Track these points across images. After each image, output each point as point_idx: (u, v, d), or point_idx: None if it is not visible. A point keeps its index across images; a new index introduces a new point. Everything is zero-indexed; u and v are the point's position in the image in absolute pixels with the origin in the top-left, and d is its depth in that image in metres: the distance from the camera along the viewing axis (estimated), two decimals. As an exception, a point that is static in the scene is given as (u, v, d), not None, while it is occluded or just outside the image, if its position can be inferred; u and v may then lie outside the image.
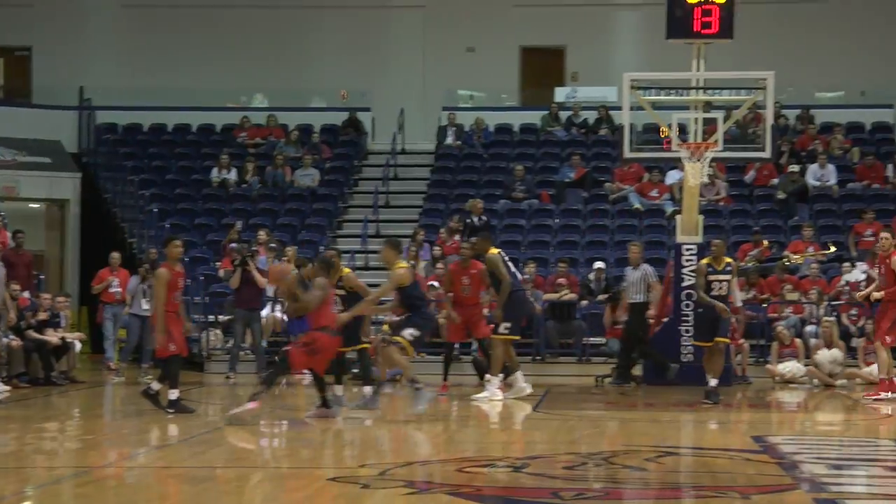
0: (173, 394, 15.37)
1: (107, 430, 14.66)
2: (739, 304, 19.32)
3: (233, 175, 29.10)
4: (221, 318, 24.09)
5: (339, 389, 16.02)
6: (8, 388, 18.95)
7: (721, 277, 17.55)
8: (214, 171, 29.21)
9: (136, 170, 29.55)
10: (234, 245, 24.22)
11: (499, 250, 18.51)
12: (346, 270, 15.93)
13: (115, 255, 23.25)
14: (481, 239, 18.72)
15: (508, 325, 17.85)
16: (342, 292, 15.56)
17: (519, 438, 13.79)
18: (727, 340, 18.02)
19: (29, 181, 29.30)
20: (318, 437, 13.93)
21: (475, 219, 26.07)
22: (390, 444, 13.32)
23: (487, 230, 19.54)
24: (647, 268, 20.88)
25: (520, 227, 27.51)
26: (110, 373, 22.29)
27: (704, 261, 17.94)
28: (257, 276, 21.55)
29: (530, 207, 28.07)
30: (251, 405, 14.25)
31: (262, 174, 29.18)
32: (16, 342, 19.49)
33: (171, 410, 15.24)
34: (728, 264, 17.71)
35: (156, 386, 15.60)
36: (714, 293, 17.49)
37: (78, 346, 21.30)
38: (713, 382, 17.49)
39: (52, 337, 20.32)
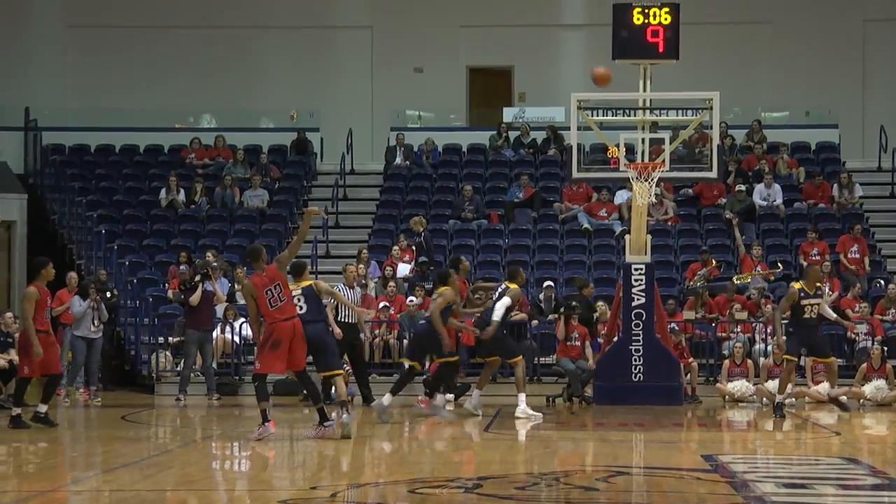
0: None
1: (55, 454, 14.54)
2: (833, 317, 19.59)
3: (181, 196, 28.99)
4: (171, 339, 23.97)
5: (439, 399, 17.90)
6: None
7: (812, 301, 18.18)
8: (163, 192, 29.08)
9: (83, 191, 29.38)
10: (197, 261, 24.14)
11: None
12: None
13: (73, 276, 23.07)
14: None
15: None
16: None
17: (471, 459, 13.79)
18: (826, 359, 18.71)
19: (-28, 203, 29.06)
20: (271, 459, 13.88)
21: (419, 237, 26.08)
22: (342, 465, 13.29)
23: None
24: None
25: (469, 247, 27.53)
26: (59, 396, 22.09)
27: (797, 285, 18.41)
28: (218, 293, 21.46)
29: (479, 227, 28.11)
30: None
31: (211, 195, 29.08)
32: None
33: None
34: (819, 288, 18.23)
35: (42, 408, 16.18)
36: (805, 316, 18.17)
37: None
38: (780, 398, 18.27)
39: (1, 360, 20.13)
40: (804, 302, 18.11)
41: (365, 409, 20.04)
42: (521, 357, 18.59)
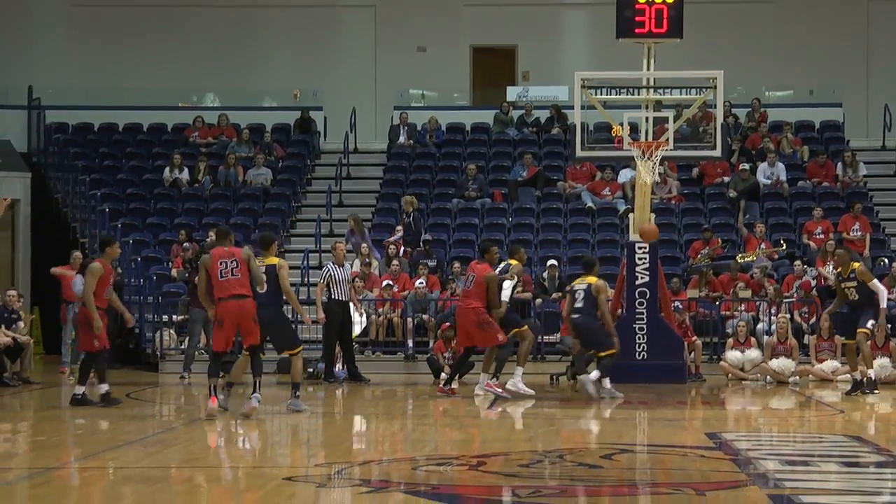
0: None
1: (61, 432, 14.55)
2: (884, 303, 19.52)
3: (185, 175, 28.96)
4: (175, 318, 23.96)
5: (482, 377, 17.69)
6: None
7: (849, 284, 18.23)
8: (166, 171, 29.06)
9: (86, 169, 29.35)
10: (206, 241, 24.13)
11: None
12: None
13: (78, 255, 23.05)
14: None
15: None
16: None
17: (475, 437, 13.78)
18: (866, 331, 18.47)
19: (-25, 182, 29.02)
20: (274, 436, 13.88)
21: (408, 217, 26.06)
22: (346, 443, 13.29)
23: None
24: None
25: (473, 226, 27.51)
26: (62, 374, 22.11)
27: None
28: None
29: (483, 206, 28.07)
30: None
31: (215, 174, 29.05)
32: (-34, 343, 19.28)
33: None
34: (853, 270, 18.28)
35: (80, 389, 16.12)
36: (849, 299, 18.32)
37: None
38: (871, 373, 18.46)
39: (5, 337, 20.12)
40: (844, 285, 18.26)
41: (354, 387, 20.10)
42: (527, 328, 18.53)
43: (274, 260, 15.58)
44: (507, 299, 18.10)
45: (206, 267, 14.96)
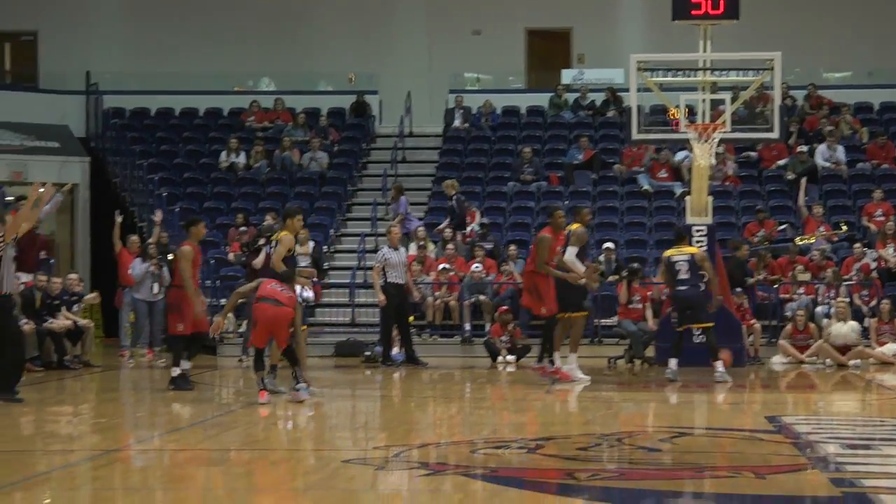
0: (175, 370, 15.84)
1: (121, 414, 14.66)
2: None
3: (241, 159, 29.07)
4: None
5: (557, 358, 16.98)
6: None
7: None
8: (223, 155, 29.18)
9: (144, 154, 29.53)
10: (263, 224, 24.25)
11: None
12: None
13: (135, 239, 23.20)
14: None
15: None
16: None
17: (533, 420, 13.76)
18: None
19: (37, 166, 29.18)
20: (333, 420, 13.92)
21: (452, 202, 26.05)
22: (404, 426, 13.30)
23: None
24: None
25: (528, 210, 27.46)
26: (122, 358, 22.26)
27: None
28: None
29: (539, 189, 28.02)
30: None
31: (271, 158, 29.15)
32: (28, 325, 19.42)
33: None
34: None
35: (185, 365, 15.94)
36: None
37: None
38: None
39: (66, 321, 20.28)
40: None
41: (413, 370, 20.11)
42: (584, 314, 18.01)
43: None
44: (572, 261, 17.26)
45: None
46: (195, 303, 16.05)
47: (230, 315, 23.88)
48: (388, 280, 20.79)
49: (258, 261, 21.71)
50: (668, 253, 18.50)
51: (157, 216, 23.83)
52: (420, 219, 26.83)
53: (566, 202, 27.63)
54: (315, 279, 24.36)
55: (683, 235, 18.63)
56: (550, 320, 17.27)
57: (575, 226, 17.56)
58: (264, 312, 14.46)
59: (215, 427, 12.93)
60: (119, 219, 23.20)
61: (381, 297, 20.69)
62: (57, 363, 19.96)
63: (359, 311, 24.39)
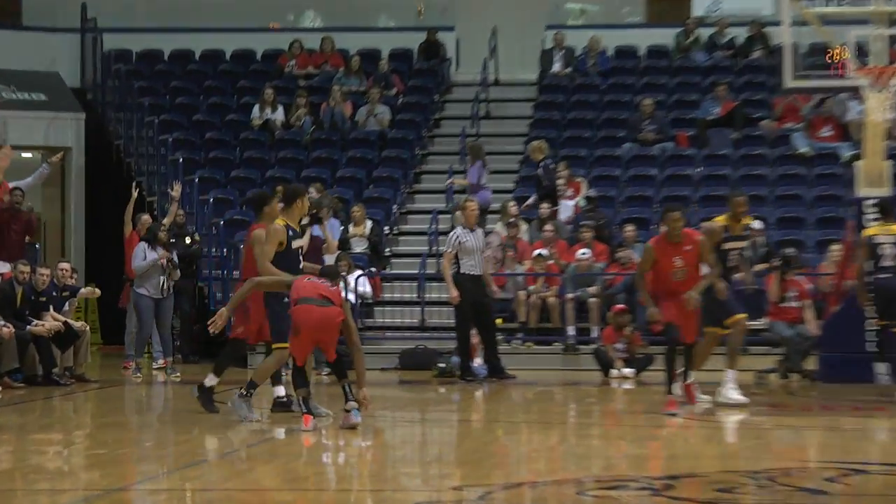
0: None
1: (125, 443, 14.69)
2: None
3: (279, 115, 29.15)
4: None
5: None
6: (-3, 388, 19.14)
7: None
8: (255, 110, 29.28)
9: (154, 109, 29.65)
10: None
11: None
12: None
13: (146, 218, 23.28)
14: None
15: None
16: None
17: (657, 452, 13.70)
18: None
19: (19, 124, 29.41)
20: (396, 451, 13.87)
21: (539, 169, 25.91)
22: (489, 459, 13.25)
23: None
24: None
25: (650, 178, 27.38)
26: (126, 371, 22.34)
27: None
28: (328, 238, 21.55)
29: (663, 152, 27.92)
30: None
31: (317, 113, 29.20)
32: (7, 329, 19.47)
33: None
34: None
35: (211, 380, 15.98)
36: None
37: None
38: None
39: (55, 323, 20.36)
40: None
41: (499, 386, 20.05)
42: (742, 316, 17.66)
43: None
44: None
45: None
46: (282, 281, 16.13)
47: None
48: (462, 270, 20.71)
49: (302, 241, 21.74)
50: (870, 231, 18.63)
51: (175, 189, 23.81)
52: (509, 191, 26.75)
53: (699, 169, 27.50)
54: (372, 270, 24.41)
55: (890, 210, 18.57)
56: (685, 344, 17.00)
57: (720, 220, 17.46)
58: (309, 315, 14.42)
59: (246, 460, 12.91)
60: (136, 192, 23.29)
61: (454, 293, 20.64)
62: (43, 377, 20.05)
63: (430, 310, 24.37)
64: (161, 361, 22.41)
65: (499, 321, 22.04)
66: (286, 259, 15.22)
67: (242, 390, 15.14)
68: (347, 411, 14.57)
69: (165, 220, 23.23)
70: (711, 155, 27.87)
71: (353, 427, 14.44)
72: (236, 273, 24.36)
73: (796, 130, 27.92)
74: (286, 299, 14.79)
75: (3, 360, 19.77)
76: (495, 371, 20.88)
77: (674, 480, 11.37)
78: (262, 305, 15.55)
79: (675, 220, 16.73)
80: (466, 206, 21.31)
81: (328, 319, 14.46)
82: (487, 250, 22.00)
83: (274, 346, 15.46)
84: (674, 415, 16.41)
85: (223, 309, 15.31)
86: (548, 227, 24.59)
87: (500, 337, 22.11)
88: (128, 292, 22.79)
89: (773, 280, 21.66)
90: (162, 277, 22.13)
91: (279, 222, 15.42)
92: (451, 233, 21.47)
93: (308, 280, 14.70)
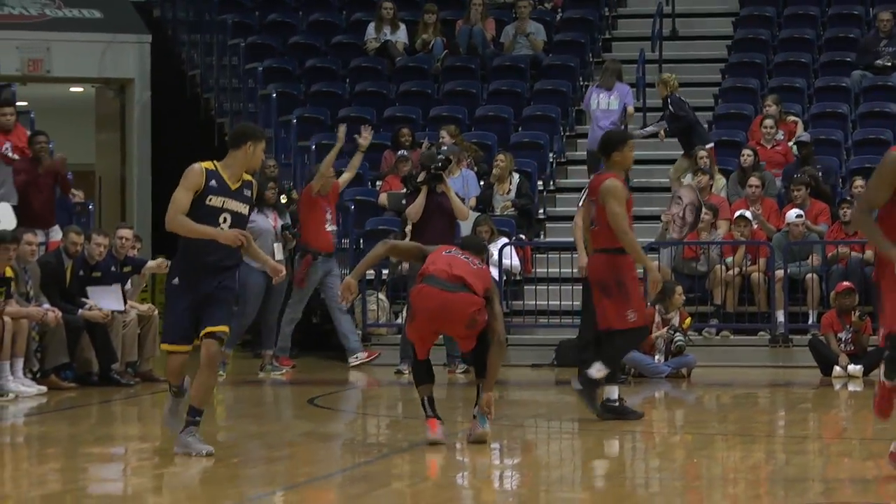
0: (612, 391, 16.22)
1: (217, 459, 14.88)
2: None
3: (401, 36, 29.26)
4: (386, 274, 24.25)
5: None
6: (42, 387, 19.38)
7: None
8: (370, 30, 29.40)
9: (240, 29, 29.86)
10: (425, 148, 24.39)
11: None
12: None
13: None
14: None
15: None
16: None
17: (893, 473, 13.67)
18: None
19: (66, 49, 29.66)
20: (552, 471, 13.99)
21: (667, 105, 25.81)
22: (678, 482, 13.35)
23: None
24: None
25: (888, 117, 27.23)
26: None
27: None
28: (456, 204, 21.63)
29: (904, 83, 27.81)
30: None
31: (451, 34, 29.27)
32: (53, 314, 19.60)
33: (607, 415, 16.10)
34: None
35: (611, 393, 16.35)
36: None
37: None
38: None
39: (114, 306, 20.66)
40: None
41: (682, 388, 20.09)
42: None
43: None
44: None
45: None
46: (651, 269, 16.57)
47: (382, 298, 24.24)
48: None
49: (413, 208, 21.87)
50: None
51: (365, 136, 23.60)
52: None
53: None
54: (522, 238, 24.46)
55: None
56: None
57: None
58: (428, 301, 14.39)
59: (359, 482, 13.08)
60: (342, 133, 23.37)
61: (583, 261, 19.50)
62: (100, 375, 20.35)
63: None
64: (270, 355, 22.54)
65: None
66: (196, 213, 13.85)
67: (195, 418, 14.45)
68: (474, 417, 14.69)
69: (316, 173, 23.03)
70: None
71: (480, 440, 14.54)
72: (345, 241, 24.71)
73: None
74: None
75: (50, 353, 19.93)
76: None
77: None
78: None
79: None
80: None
81: (451, 309, 14.32)
82: (675, 207, 21.78)
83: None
84: None
85: (348, 278, 15.17)
86: (753, 181, 24.45)
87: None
88: (308, 265, 22.84)
89: None
90: (276, 245, 22.16)
91: (206, 165, 14.06)
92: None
93: (447, 253, 14.67)
